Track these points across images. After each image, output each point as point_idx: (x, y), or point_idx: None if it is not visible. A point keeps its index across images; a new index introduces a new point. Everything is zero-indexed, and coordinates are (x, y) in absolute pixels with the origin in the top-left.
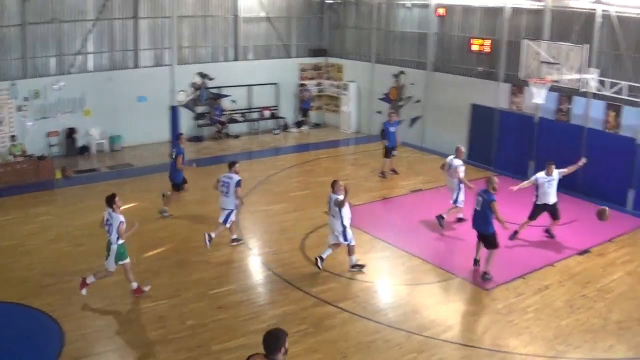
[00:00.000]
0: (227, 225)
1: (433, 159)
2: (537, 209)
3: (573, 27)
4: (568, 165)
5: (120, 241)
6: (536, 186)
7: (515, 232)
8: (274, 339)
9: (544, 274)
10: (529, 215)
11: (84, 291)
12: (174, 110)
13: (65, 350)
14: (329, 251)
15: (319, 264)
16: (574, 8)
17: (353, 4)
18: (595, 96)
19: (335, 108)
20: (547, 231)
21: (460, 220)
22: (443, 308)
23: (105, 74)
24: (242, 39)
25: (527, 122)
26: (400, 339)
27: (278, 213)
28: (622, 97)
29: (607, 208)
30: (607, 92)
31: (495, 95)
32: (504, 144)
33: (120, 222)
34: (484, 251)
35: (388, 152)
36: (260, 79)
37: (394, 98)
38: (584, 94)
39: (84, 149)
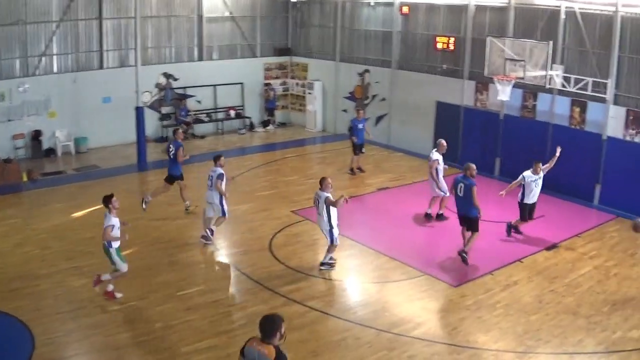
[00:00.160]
0: (226, 216)
1: (399, 156)
2: (526, 208)
3: (537, 24)
4: (546, 162)
5: (115, 245)
6: (523, 186)
7: (517, 231)
8: (270, 323)
9: (512, 270)
10: (520, 217)
11: (97, 288)
12: (139, 111)
13: (35, 354)
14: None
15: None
16: (538, 5)
17: (317, 3)
18: (560, 92)
19: (300, 107)
20: (511, 228)
21: (440, 217)
22: (412, 305)
23: (70, 75)
24: (206, 38)
25: (493, 119)
26: (370, 337)
27: (245, 213)
28: (587, 93)
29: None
30: (571, 89)
31: (460, 93)
32: (470, 141)
33: (109, 225)
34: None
35: (357, 149)
36: (225, 79)
37: (359, 96)
38: (549, 91)
39: (50, 151)
